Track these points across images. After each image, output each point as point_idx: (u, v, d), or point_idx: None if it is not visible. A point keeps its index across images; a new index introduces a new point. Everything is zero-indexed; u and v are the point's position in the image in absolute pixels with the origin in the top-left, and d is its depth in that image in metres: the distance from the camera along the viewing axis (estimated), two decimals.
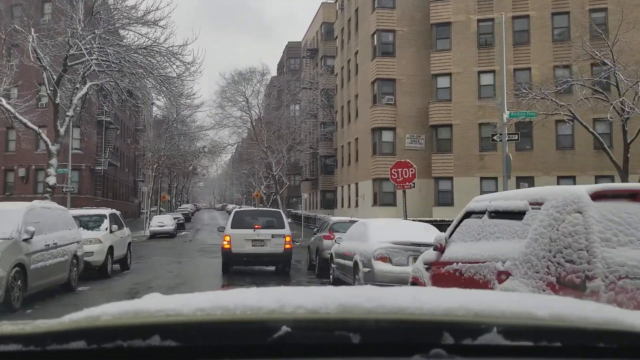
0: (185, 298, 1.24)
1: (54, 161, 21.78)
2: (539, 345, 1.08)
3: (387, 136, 35.32)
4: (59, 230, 11.24)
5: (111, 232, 15.20)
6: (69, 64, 22.01)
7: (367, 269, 9.93)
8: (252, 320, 1.09)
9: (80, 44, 21.05)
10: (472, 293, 1.36)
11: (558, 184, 28.38)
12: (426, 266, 6.44)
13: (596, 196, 4.05)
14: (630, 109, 23.56)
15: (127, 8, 23.05)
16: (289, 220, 20.75)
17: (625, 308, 3.32)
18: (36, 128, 22.07)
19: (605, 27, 28.79)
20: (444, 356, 1.04)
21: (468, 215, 5.78)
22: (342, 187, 43.24)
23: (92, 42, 21.86)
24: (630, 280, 3.68)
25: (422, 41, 35.11)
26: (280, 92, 57.63)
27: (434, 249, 6.24)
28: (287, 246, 15.20)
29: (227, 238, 15.02)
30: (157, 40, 22.47)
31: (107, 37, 22.27)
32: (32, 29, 21.10)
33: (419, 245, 9.65)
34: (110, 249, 14.79)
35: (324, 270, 14.63)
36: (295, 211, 48.52)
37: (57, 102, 22.12)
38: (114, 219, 15.96)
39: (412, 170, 17.95)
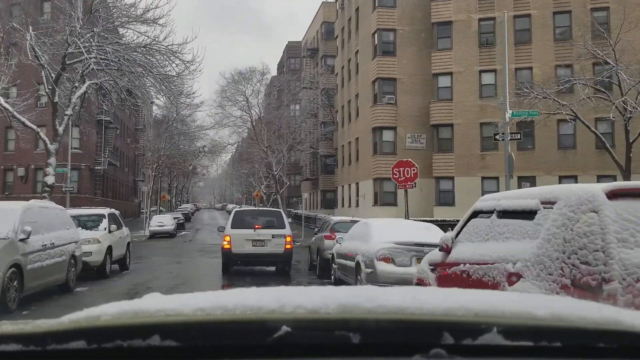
0: (185, 298, 1.24)
1: (52, 160, 21.61)
2: (539, 345, 1.07)
3: (387, 136, 35.16)
4: (56, 230, 11.08)
5: (110, 232, 15.04)
6: (68, 62, 21.85)
7: (369, 270, 9.76)
8: (252, 320, 1.08)
9: (78, 42, 20.88)
10: (472, 293, 1.36)
11: (560, 183, 28.25)
12: (431, 267, 6.27)
13: (612, 195, 3.89)
14: (632, 108, 23.43)
15: (126, 6, 22.89)
16: (289, 220, 20.60)
17: None
18: (34, 127, 21.91)
19: (607, 26, 28.61)
20: (444, 356, 1.04)
21: (475, 215, 5.62)
22: (343, 186, 43.09)
23: (91, 40, 21.70)
24: None
25: (423, 40, 34.95)
26: (281, 91, 57.48)
27: (439, 250, 6.07)
28: (288, 246, 15.06)
29: (227, 238, 14.90)
30: (156, 39, 22.33)
31: (106, 35, 22.10)
32: (30, 27, 20.92)
33: (423, 245, 9.49)
34: (109, 249, 14.64)
35: (325, 270, 14.48)
36: (296, 211, 48.36)
37: (55, 100, 21.96)
38: (112, 218, 15.80)
39: (414, 170, 17.78)
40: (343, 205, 42.34)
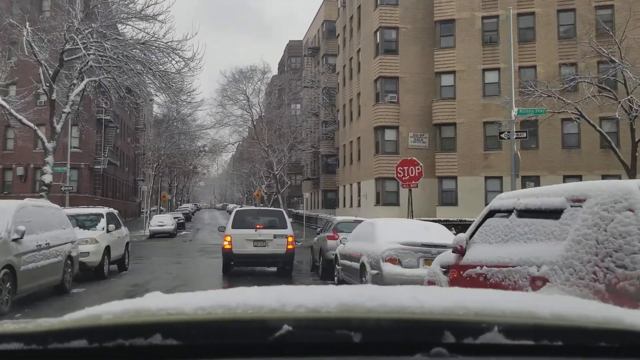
0: (187, 297, 1.24)
1: (50, 159, 21.29)
2: (540, 344, 1.07)
3: (389, 135, 34.83)
4: (52, 229, 10.75)
5: (108, 231, 14.72)
6: (66, 59, 21.52)
7: (375, 271, 9.43)
8: (253, 319, 1.08)
9: (76, 39, 20.55)
10: (472, 292, 1.35)
11: (564, 183, 27.87)
12: (444, 269, 5.94)
13: None
14: (638, 107, 23.09)
15: (125, 2, 22.54)
16: (290, 220, 20.23)
17: None
18: (32, 125, 21.59)
19: (612, 24, 28.29)
20: (445, 355, 1.03)
21: (492, 214, 5.28)
22: (344, 186, 42.78)
23: (90, 36, 21.37)
24: None
25: (425, 38, 34.63)
26: (282, 90, 57.13)
27: (453, 251, 5.73)
28: (290, 247, 14.77)
29: (228, 238, 14.61)
30: (155, 35, 21.98)
31: (105, 32, 21.75)
32: (27, 23, 20.59)
33: (430, 246, 9.17)
34: (107, 249, 14.32)
35: (328, 271, 14.15)
36: (297, 211, 48.03)
37: (53, 98, 21.63)
38: (111, 218, 15.47)
39: (418, 169, 17.45)
40: (344, 205, 42.02)
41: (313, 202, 51.78)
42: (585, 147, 30.94)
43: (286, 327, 1.03)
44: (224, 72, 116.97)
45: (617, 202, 3.61)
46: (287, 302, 1.10)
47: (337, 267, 12.65)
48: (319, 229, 20.91)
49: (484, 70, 32.86)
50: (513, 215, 4.83)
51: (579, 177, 29.65)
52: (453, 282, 5.61)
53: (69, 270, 11.53)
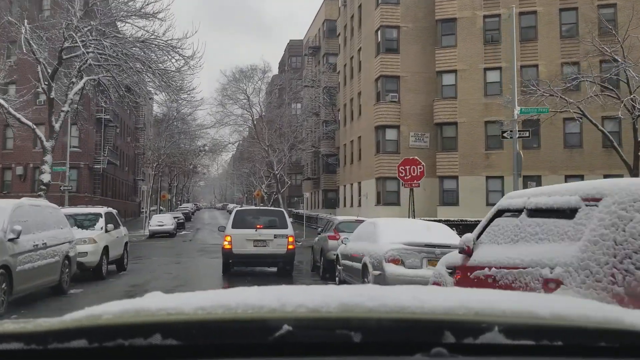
0: (187, 297, 1.24)
1: (48, 158, 21.11)
2: (540, 344, 1.07)
3: (390, 134, 34.66)
4: (49, 229, 10.59)
5: (107, 231, 14.55)
6: (65, 57, 21.34)
7: (377, 272, 9.26)
8: (253, 319, 1.08)
9: (75, 37, 20.37)
10: (473, 292, 1.35)
11: (566, 183, 27.71)
12: (450, 270, 5.77)
13: None
14: None
15: None
16: (291, 219, 20.00)
17: None
18: (30, 123, 21.42)
19: (615, 23, 28.15)
20: (446, 355, 1.03)
21: (500, 213, 5.11)
22: (345, 186, 42.61)
23: (89, 34, 21.19)
24: None
25: (426, 37, 34.46)
26: (282, 90, 56.95)
27: (459, 252, 5.55)
28: (290, 247, 14.63)
29: (228, 238, 14.47)
30: (154, 33, 21.80)
31: (104, 29, 21.56)
32: (26, 20, 20.42)
33: (434, 246, 9.01)
34: (106, 249, 14.16)
35: (329, 272, 13.98)
36: (297, 211, 47.85)
37: (52, 96, 21.45)
38: (109, 217, 15.30)
39: (420, 168, 17.28)
40: (345, 205, 41.86)
41: (313, 202, 51.61)
42: (588, 146, 30.79)
43: (286, 327, 1.03)
44: (224, 71, 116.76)
45: (636, 200, 3.45)
46: (287, 302, 1.10)
47: (339, 267, 12.49)
48: (319, 229, 20.75)
49: (486, 69, 32.70)
50: (523, 215, 4.66)
51: (580, 177, 29.45)
52: (459, 284, 5.44)
53: (67, 270, 11.37)
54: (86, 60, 21.26)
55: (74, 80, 21.93)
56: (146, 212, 41.17)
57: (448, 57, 33.21)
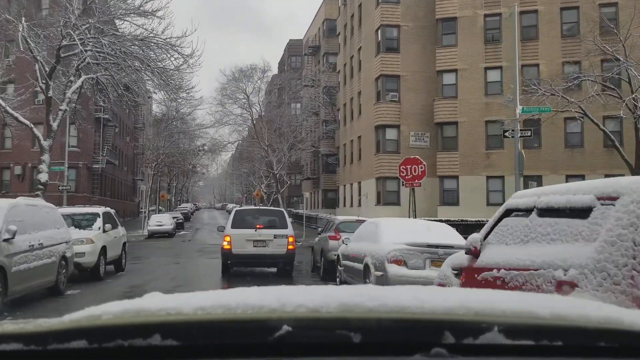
0: (186, 297, 1.23)
1: (46, 157, 20.92)
2: (540, 344, 1.07)
3: (391, 134, 34.49)
4: (45, 229, 10.42)
5: (104, 231, 14.38)
6: (62, 55, 21.15)
7: (379, 273, 9.09)
8: (253, 319, 1.08)
9: (73, 35, 20.18)
10: (473, 292, 1.34)
11: (567, 182, 27.53)
12: (455, 272, 5.60)
13: None
14: None
15: None
16: (290, 219, 19.76)
17: None
18: (28, 122, 21.23)
19: (616, 22, 28.05)
20: (445, 355, 1.03)
21: (508, 213, 4.94)
22: (345, 186, 42.45)
23: (87, 32, 20.99)
24: None
25: (427, 37, 34.29)
26: (282, 90, 56.80)
27: (466, 253, 5.38)
28: (290, 247, 14.47)
29: (227, 238, 14.31)
30: (153, 31, 21.60)
31: (102, 27, 21.36)
32: (23, 18, 20.23)
33: (437, 247, 8.85)
34: (103, 249, 13.99)
35: (330, 272, 13.82)
36: (296, 211, 47.67)
37: (49, 95, 21.26)
38: (107, 217, 15.12)
39: (421, 167, 17.11)
40: (345, 205, 41.70)
41: (313, 202, 51.44)
42: (589, 146, 30.64)
43: (286, 327, 1.02)
44: (224, 70, 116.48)
45: None
46: (287, 302, 1.09)
47: (340, 268, 12.32)
48: (320, 229, 20.58)
49: (486, 68, 32.55)
50: (533, 214, 4.49)
51: (581, 177, 29.32)
52: (466, 285, 5.27)
53: (64, 271, 11.20)
54: (84, 59, 21.07)
55: (72, 78, 21.74)
56: (145, 212, 40.99)
57: (448, 57, 33.05)
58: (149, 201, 44.98)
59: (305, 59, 58.67)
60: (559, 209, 4.16)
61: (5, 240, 8.72)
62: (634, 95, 23.08)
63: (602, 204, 3.71)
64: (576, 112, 24.34)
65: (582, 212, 3.88)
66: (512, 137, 18.59)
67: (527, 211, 4.63)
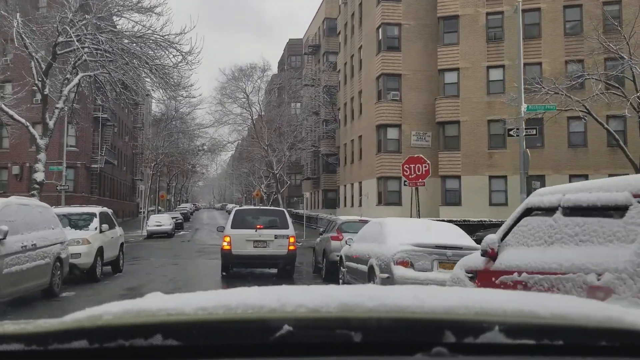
0: (187, 297, 1.23)
1: (42, 156, 20.55)
2: (541, 343, 1.07)
3: (392, 133, 34.17)
4: (39, 229, 10.08)
5: (101, 231, 14.03)
6: (59, 52, 20.79)
7: (385, 275, 8.76)
8: (253, 319, 1.08)
9: (70, 31, 19.82)
10: (473, 292, 1.35)
11: (570, 182, 27.23)
12: (470, 275, 5.27)
13: None
14: None
15: None
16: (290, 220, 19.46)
17: None
18: (23, 121, 20.88)
19: (620, 20, 27.74)
20: (446, 354, 1.03)
21: (528, 212, 4.61)
22: (345, 186, 42.14)
23: (84, 28, 20.64)
24: None
25: (428, 35, 33.98)
26: (281, 89, 56.49)
27: (482, 255, 5.05)
28: (291, 247, 14.15)
29: (227, 239, 13.99)
30: (151, 28, 21.25)
31: (99, 24, 20.99)
32: (18, 14, 19.87)
33: (445, 247, 8.52)
34: (100, 250, 13.64)
35: (332, 273, 13.50)
36: (297, 211, 47.35)
37: (45, 93, 20.90)
38: (104, 217, 14.78)
39: (425, 166, 16.78)
40: (345, 205, 41.39)
41: (313, 202, 51.13)
42: (592, 145, 30.35)
43: (286, 327, 1.02)
44: (224, 69, 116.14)
45: None
46: (288, 302, 1.09)
47: (342, 269, 11.99)
48: (321, 229, 20.27)
49: (489, 67, 32.25)
50: (558, 214, 4.15)
51: (585, 177, 29.05)
52: None
53: (58, 272, 10.86)
54: (81, 56, 20.71)
55: (68, 76, 21.38)
56: (144, 212, 40.67)
57: (450, 55, 32.74)
58: (148, 201, 44.66)
59: (305, 58, 58.37)
60: (588, 208, 3.83)
61: None
62: (638, 94, 22.82)
63: (639, 202, 3.38)
64: (580, 111, 24.04)
65: (615, 211, 3.55)
66: (517, 135, 18.26)
67: (550, 210, 4.29)
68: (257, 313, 1.07)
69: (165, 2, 37.84)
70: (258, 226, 14.20)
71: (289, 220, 14.97)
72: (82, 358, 1.05)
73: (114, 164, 49.61)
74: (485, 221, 26.03)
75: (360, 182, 37.88)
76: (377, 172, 33.88)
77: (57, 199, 26.89)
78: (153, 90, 27.76)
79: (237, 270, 14.74)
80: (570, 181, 28.89)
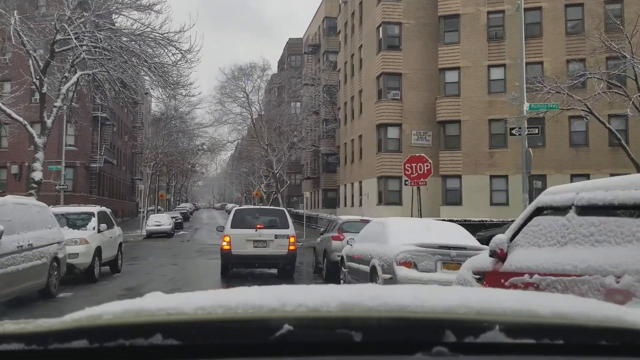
0: (187, 297, 1.23)
1: (40, 155, 20.38)
2: (541, 342, 1.07)
3: (392, 133, 34.02)
4: (36, 229, 9.92)
5: (99, 231, 13.87)
6: (57, 50, 20.60)
7: (387, 275, 8.60)
8: (253, 318, 1.08)
9: (68, 29, 19.64)
10: (473, 291, 1.34)
11: (572, 182, 27.08)
12: (477, 276, 5.11)
13: None
14: None
15: None
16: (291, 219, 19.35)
17: None
18: (21, 119, 20.70)
19: (622, 19, 27.56)
20: (446, 354, 1.03)
21: (539, 211, 4.45)
22: (345, 185, 41.99)
23: (82, 26, 20.45)
24: None
25: (429, 34, 33.83)
26: (281, 88, 56.35)
27: (490, 255, 4.88)
28: (292, 247, 14.01)
29: (227, 238, 13.85)
30: (150, 25, 21.05)
31: (98, 21, 20.79)
32: (15, 11, 19.68)
33: (449, 247, 8.36)
34: (98, 250, 13.48)
35: (333, 274, 13.34)
36: (296, 210, 47.20)
37: (43, 91, 20.71)
38: (102, 217, 14.62)
39: (427, 165, 16.63)
40: (345, 205, 41.24)
41: (313, 202, 50.97)
42: (594, 145, 30.21)
43: (287, 327, 1.02)
44: (223, 69, 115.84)
45: None
46: (288, 302, 1.09)
47: (344, 269, 11.83)
48: (322, 229, 20.11)
49: (489, 66, 32.09)
50: (571, 213, 3.99)
51: (586, 176, 28.91)
52: None
53: (55, 273, 10.71)
54: (79, 54, 20.53)
55: (67, 75, 21.20)
56: (143, 211, 40.50)
57: (451, 54, 32.58)
58: (147, 201, 44.49)
59: (305, 58, 58.21)
60: (604, 207, 3.67)
61: None
62: None
63: None
64: (582, 110, 23.89)
65: (635, 210, 3.40)
66: (519, 134, 18.09)
67: (562, 209, 4.14)
68: (257, 312, 1.07)
69: (164, 0, 37.74)
70: (258, 226, 14.07)
71: (289, 220, 14.82)
72: (82, 358, 1.05)
73: (113, 164, 49.45)
74: (486, 221, 25.89)
75: (360, 182, 37.74)
76: (377, 172, 33.73)
77: (56, 199, 26.74)
78: (152, 88, 27.59)
79: (237, 270, 14.59)
80: (571, 181, 28.71)
